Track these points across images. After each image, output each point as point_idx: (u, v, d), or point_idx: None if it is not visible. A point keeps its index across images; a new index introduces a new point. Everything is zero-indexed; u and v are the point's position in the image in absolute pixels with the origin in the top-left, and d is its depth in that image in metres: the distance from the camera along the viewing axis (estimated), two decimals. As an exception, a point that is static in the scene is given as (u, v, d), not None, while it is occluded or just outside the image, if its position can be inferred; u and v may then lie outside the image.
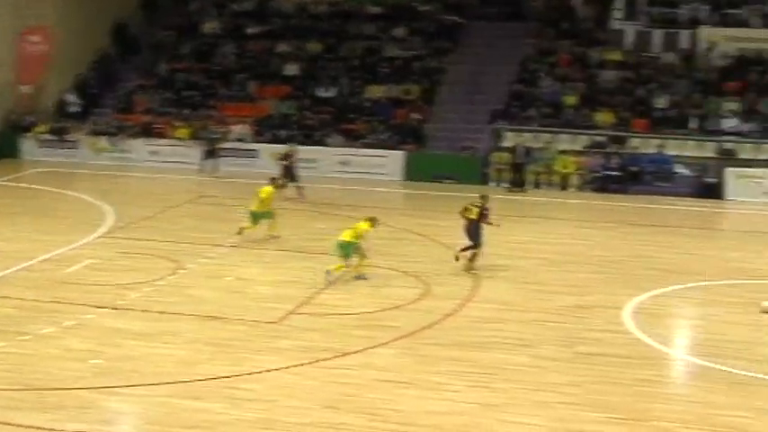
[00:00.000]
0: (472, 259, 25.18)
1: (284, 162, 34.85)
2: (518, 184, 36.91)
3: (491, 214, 25.41)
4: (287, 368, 18.69)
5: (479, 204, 25.38)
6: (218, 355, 19.36)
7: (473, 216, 25.13)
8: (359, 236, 24.31)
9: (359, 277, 24.31)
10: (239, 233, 27.79)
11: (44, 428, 16.05)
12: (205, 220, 30.90)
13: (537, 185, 37.25)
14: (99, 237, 28.71)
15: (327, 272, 23.97)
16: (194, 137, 40.46)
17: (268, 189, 28.11)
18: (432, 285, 24.03)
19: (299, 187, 34.10)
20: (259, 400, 17.18)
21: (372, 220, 24.81)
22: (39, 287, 23.67)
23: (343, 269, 24.15)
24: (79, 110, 43.51)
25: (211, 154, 39.09)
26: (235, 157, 39.82)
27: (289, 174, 34.31)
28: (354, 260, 24.40)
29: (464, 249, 25.25)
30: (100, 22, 45.64)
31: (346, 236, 24.26)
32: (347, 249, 24.15)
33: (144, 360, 19.07)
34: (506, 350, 19.59)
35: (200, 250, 27.04)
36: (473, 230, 25.15)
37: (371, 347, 19.79)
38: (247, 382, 17.99)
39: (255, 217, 27.85)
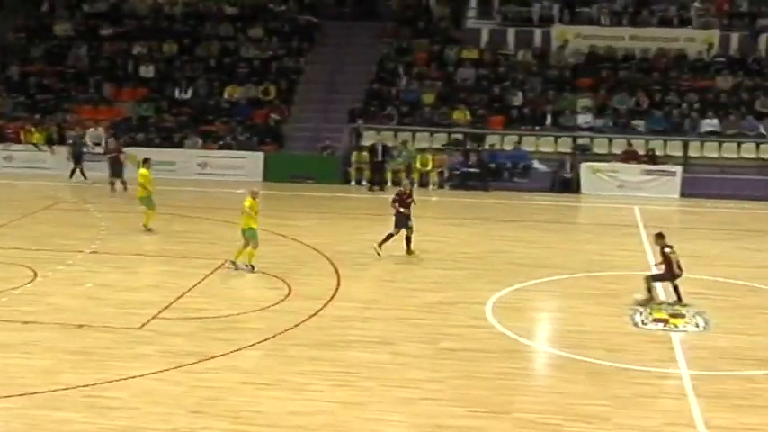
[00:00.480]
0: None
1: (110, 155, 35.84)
2: (378, 183, 37.21)
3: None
4: (151, 374, 18.58)
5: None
6: (81, 363, 19.13)
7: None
8: (252, 216, 24.97)
9: (248, 266, 25.04)
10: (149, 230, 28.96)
11: None
12: (63, 227, 30.47)
13: (396, 184, 37.50)
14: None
15: (232, 262, 25.13)
16: (51, 141, 39.96)
17: (144, 172, 29.13)
18: (294, 286, 24.11)
19: (123, 182, 35.09)
20: (123, 407, 17.04)
21: (253, 194, 25.50)
22: None
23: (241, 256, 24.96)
24: None
25: (78, 158, 38.60)
26: (92, 161, 39.24)
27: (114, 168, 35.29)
28: (248, 248, 25.00)
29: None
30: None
31: (246, 223, 24.96)
32: (249, 234, 24.98)
33: (1, 371, 18.75)
34: (369, 348, 19.77)
35: (58, 257, 26.66)
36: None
37: (235, 350, 19.79)
38: (111, 390, 17.82)
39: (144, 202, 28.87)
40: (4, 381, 18.25)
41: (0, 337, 20.57)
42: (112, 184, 35.24)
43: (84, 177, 37.99)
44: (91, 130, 40.22)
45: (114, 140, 37.14)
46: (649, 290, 22.59)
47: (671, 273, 22.57)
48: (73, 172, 38.21)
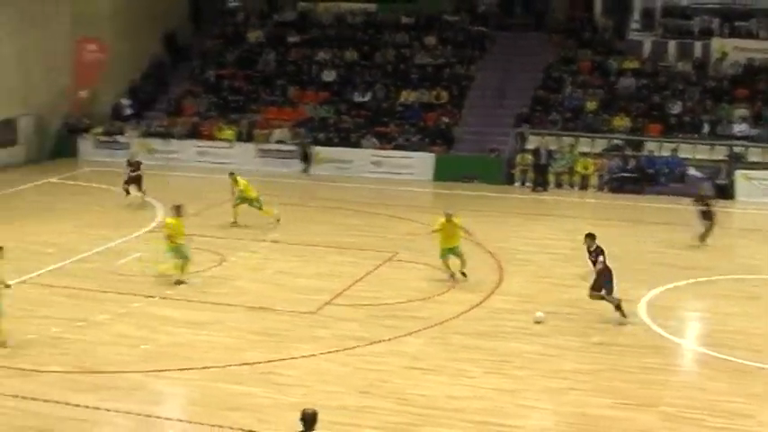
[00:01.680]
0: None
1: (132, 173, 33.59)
2: (541, 185, 37.09)
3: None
4: (323, 355, 19.07)
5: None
6: (260, 342, 19.76)
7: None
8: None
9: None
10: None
11: (98, 408, 16.51)
12: (248, 217, 31.19)
13: (559, 186, 37.40)
14: (149, 231, 29.15)
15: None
16: (240, 138, 41.11)
17: (172, 221, 24.27)
18: (458, 279, 24.29)
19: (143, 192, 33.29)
20: (297, 384, 17.57)
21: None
22: (93, 278, 24.18)
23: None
24: (132, 113, 44.01)
25: (305, 157, 39.41)
26: (275, 158, 40.22)
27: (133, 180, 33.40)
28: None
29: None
30: (152, 33, 46.12)
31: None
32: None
33: (190, 346, 19.50)
34: (523, 340, 19.90)
35: (243, 245, 27.46)
36: None
37: (401, 336, 20.14)
38: (286, 368, 18.38)
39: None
40: (193, 355, 19.00)
41: (191, 315, 21.38)
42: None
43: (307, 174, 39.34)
44: (277, 129, 41.11)
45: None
46: None
47: None
48: (306, 168, 39.33)
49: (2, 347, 18.93)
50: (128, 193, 33.10)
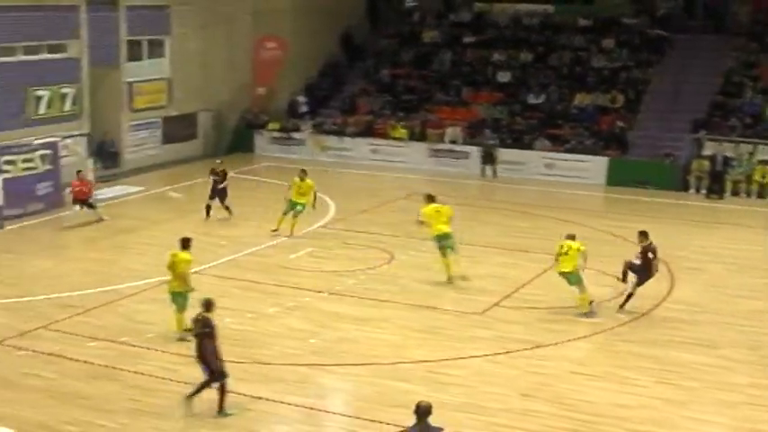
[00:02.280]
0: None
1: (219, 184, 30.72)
2: (716, 192, 36.13)
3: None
4: (488, 356, 19.00)
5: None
6: (426, 341, 19.81)
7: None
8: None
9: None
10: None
11: (266, 399, 16.81)
12: (416, 216, 31.28)
13: (735, 194, 36.38)
14: (320, 227, 29.55)
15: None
16: (413, 137, 41.23)
17: (186, 257, 19.96)
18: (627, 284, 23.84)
19: (226, 207, 30.80)
20: (461, 385, 17.55)
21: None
22: (264, 271, 24.64)
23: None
24: (307, 110, 44.70)
25: (489, 159, 39.06)
26: (448, 158, 40.27)
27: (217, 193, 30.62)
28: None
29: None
30: (329, 32, 46.75)
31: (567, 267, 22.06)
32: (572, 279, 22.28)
33: (357, 342, 19.69)
34: (694, 350, 19.42)
35: (411, 243, 27.53)
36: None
37: (567, 341, 19.91)
38: (451, 368, 18.38)
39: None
40: (359, 351, 19.17)
41: (359, 311, 21.59)
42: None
43: (491, 175, 38.86)
44: (449, 129, 41.12)
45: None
46: None
47: None
48: (493, 172, 38.94)
49: (182, 339, 19.37)
50: (228, 210, 30.42)
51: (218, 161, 24.58)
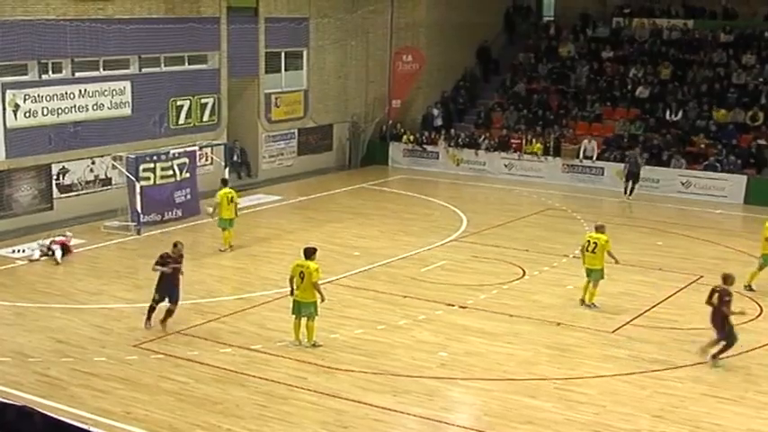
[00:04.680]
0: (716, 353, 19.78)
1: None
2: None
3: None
4: (619, 376, 18.72)
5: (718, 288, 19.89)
6: (556, 357, 19.61)
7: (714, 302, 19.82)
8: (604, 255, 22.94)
9: (590, 306, 23.13)
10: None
11: (393, 410, 16.85)
12: (551, 231, 31.11)
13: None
14: (453, 240, 29.55)
15: (581, 300, 23.26)
16: (548, 152, 40.88)
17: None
18: (766, 307, 23.27)
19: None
20: (590, 403, 17.32)
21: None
22: (396, 282, 24.73)
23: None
24: (442, 123, 44.74)
25: (633, 177, 37.60)
26: (583, 174, 39.86)
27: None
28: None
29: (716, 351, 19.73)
30: (466, 45, 46.76)
31: (594, 263, 22.97)
32: (596, 275, 23.07)
33: (486, 356, 19.59)
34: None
35: (544, 259, 27.35)
36: (718, 321, 19.80)
37: (700, 363, 19.46)
38: (581, 386, 18.16)
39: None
40: (488, 365, 19.07)
41: (488, 326, 21.49)
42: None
43: (627, 194, 37.51)
44: (585, 141, 40.66)
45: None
46: None
47: None
48: (631, 190, 37.55)
49: (314, 347, 19.65)
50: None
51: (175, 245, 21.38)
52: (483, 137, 42.68)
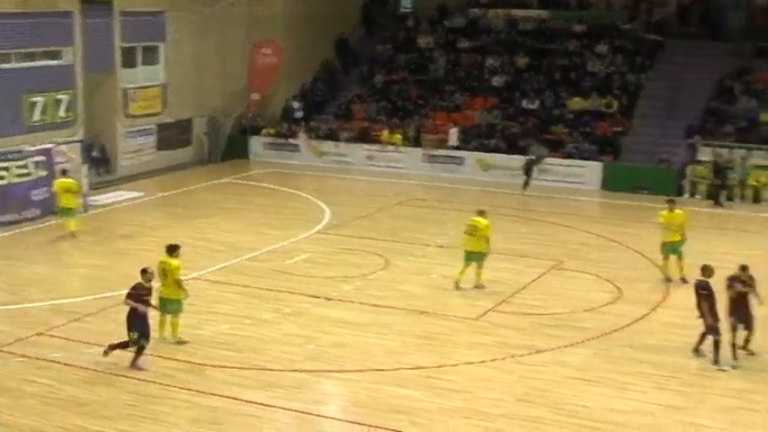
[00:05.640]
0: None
1: None
2: (727, 199, 35.98)
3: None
4: (486, 362, 19.01)
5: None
6: (423, 346, 19.82)
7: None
8: (487, 238, 23.71)
9: (479, 286, 23.88)
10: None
11: (265, 405, 16.82)
12: (413, 221, 31.40)
13: (729, 199, 36.38)
14: (317, 233, 29.58)
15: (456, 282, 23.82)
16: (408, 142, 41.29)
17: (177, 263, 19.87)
18: (624, 290, 23.92)
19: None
20: (459, 390, 17.56)
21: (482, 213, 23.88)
22: (262, 276, 24.65)
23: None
24: (302, 116, 44.69)
25: (529, 170, 37.43)
26: (444, 163, 40.31)
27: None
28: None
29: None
30: (324, 37, 46.76)
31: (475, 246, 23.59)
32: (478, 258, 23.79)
33: (354, 347, 19.70)
34: (691, 355, 19.38)
35: (408, 249, 27.58)
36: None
37: (564, 346, 19.92)
38: (449, 374, 18.40)
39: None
40: (356, 356, 19.17)
41: (355, 317, 21.59)
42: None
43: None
44: (452, 130, 41.03)
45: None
46: None
47: None
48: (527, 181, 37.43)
49: (181, 343, 19.48)
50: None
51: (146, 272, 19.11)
52: (344, 129, 42.80)
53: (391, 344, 19.99)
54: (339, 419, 16.62)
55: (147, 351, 18.48)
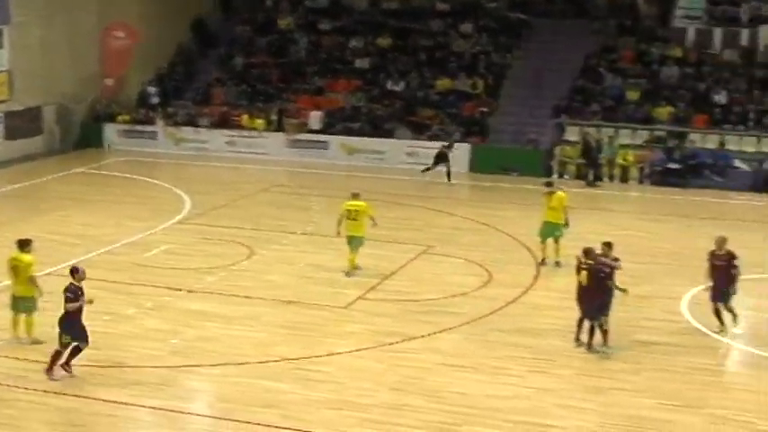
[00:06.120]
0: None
1: None
2: (597, 179, 36.66)
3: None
4: (356, 351, 18.99)
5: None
6: (292, 337, 19.71)
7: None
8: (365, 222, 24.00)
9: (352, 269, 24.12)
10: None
11: (126, 404, 16.49)
12: (278, 209, 31.27)
13: (598, 178, 37.06)
14: (177, 223, 29.20)
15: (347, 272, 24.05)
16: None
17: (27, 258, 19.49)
18: (495, 273, 24.17)
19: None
20: (329, 381, 17.50)
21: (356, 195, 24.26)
22: (121, 270, 24.19)
23: None
24: (159, 101, 44.07)
25: (443, 159, 36.60)
26: (307, 148, 40.20)
27: None
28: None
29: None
30: (180, 19, 46.19)
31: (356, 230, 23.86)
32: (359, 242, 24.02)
33: (219, 341, 19.47)
34: (566, 337, 19.65)
35: (273, 237, 27.43)
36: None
37: (436, 332, 20.02)
38: (318, 365, 18.32)
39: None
40: (222, 350, 18.96)
41: (221, 309, 21.35)
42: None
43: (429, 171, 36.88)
44: (312, 113, 40.96)
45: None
46: None
47: None
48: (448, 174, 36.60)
49: (36, 343, 18.96)
50: None
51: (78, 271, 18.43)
52: (203, 114, 42.34)
53: (258, 336, 19.82)
54: (206, 416, 16.41)
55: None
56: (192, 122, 42.15)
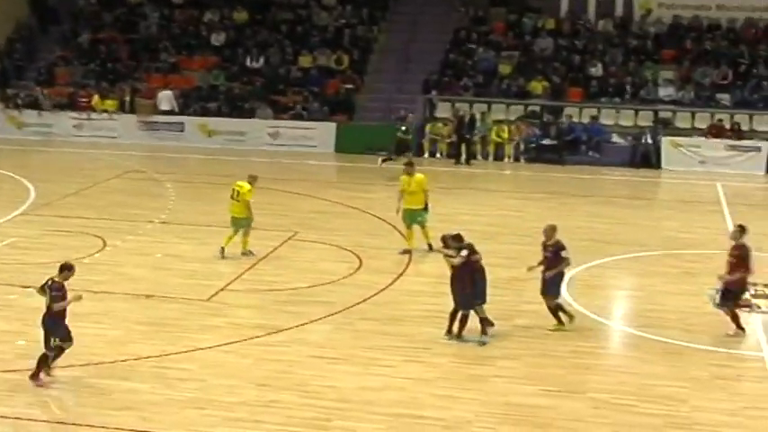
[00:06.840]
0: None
1: None
2: (470, 157, 37.00)
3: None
4: (219, 346, 18.87)
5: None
6: (150, 334, 19.48)
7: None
8: (247, 204, 24.44)
9: (246, 253, 24.50)
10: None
11: (-29, 413, 16.13)
12: (132, 196, 30.91)
13: (472, 157, 37.47)
14: (21, 214, 28.64)
15: (221, 249, 24.33)
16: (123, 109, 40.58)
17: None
18: (365, 259, 24.26)
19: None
20: (191, 379, 17.34)
21: (252, 179, 24.90)
22: (-41, 267, 23.66)
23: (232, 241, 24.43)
24: (-3, 83, 43.23)
25: (404, 148, 35.21)
26: (161, 131, 39.77)
27: None
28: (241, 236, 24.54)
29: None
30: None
31: (237, 211, 24.49)
32: (241, 224, 24.54)
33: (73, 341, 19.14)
34: (441, 324, 19.76)
35: (128, 227, 27.09)
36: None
37: (304, 323, 20.01)
38: (179, 362, 18.14)
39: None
40: (75, 350, 18.55)
41: (71, 306, 20.94)
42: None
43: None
44: (161, 94, 40.52)
45: None
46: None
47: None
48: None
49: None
50: None
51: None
52: (46, 96, 41.56)
53: (113, 333, 19.56)
54: (58, 423, 16.13)
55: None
56: (34, 105, 41.33)
